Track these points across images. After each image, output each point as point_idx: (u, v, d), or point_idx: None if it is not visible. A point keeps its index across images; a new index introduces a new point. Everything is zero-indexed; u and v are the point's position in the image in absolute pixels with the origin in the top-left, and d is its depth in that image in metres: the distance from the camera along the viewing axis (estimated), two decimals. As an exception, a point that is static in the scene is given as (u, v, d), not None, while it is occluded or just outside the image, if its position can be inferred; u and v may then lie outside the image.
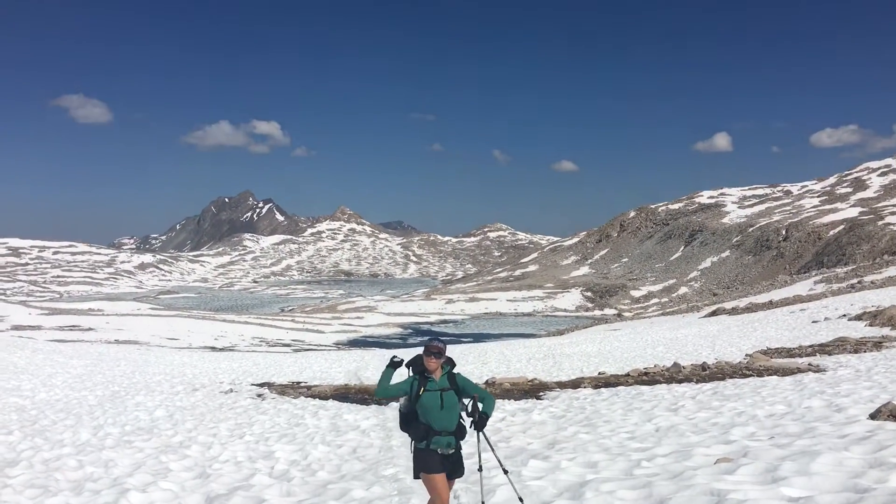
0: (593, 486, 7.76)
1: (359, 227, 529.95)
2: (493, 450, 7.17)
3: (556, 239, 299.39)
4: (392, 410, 18.65)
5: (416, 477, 6.34)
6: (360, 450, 12.54)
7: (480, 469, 6.75)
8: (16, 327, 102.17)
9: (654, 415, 13.93)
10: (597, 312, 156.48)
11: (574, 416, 15.08)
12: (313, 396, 23.66)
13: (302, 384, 29.01)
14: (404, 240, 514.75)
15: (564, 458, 9.82)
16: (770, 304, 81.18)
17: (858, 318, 46.45)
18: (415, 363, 6.56)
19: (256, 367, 42.04)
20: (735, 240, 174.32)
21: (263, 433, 14.97)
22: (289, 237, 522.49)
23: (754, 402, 15.07)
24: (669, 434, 11.35)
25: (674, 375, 24.51)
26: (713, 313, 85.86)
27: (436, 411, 6.33)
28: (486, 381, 24.52)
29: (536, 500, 7.60)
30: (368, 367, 38.32)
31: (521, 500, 6.96)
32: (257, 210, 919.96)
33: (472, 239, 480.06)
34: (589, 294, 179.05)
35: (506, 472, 6.94)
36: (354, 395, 23.47)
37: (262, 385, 28.46)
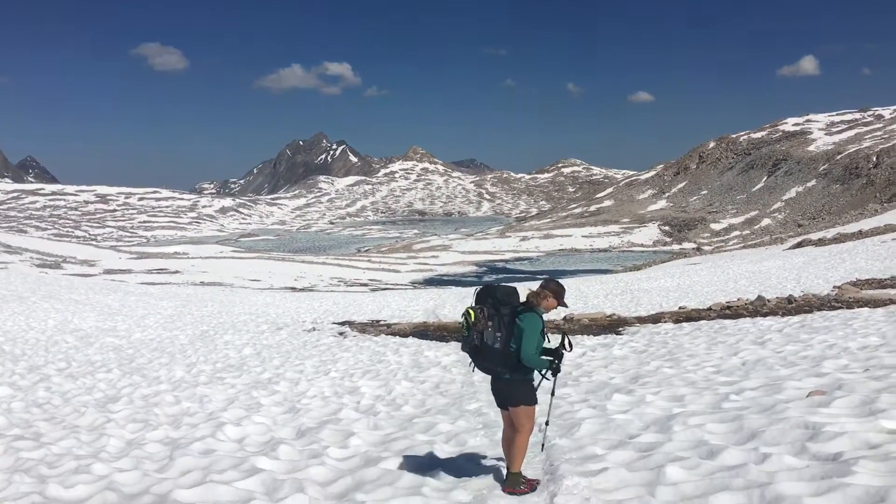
0: (680, 420, 7.66)
1: (431, 167, 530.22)
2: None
3: (631, 173, 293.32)
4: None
5: (530, 403, 6.18)
6: (442, 385, 12.74)
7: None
8: (108, 271, 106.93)
9: (740, 349, 13.65)
10: (675, 247, 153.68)
11: (656, 350, 14.92)
12: (393, 334, 24.05)
13: (381, 322, 29.50)
14: (477, 178, 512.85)
15: (649, 392, 9.72)
16: (859, 234, 78.22)
17: (956, 246, 44.41)
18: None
19: (336, 306, 42.97)
20: (822, 168, 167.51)
21: (347, 370, 15.34)
22: (362, 178, 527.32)
23: (845, 334, 14.60)
24: (757, 367, 11.11)
25: (758, 309, 23.91)
26: (798, 245, 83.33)
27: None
28: (564, 317, 24.44)
29: (622, 434, 7.55)
30: (445, 305, 38.70)
31: (546, 423, 7.12)
32: (331, 152, 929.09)
33: (546, 175, 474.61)
34: (666, 228, 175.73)
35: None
36: (433, 333, 23.75)
37: (342, 324, 29.09)
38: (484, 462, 6.99)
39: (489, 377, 6.27)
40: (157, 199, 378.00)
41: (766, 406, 7.86)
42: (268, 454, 7.60)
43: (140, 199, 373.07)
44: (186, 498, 6.09)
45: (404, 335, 23.60)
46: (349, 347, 19.88)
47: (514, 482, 6.15)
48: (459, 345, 19.63)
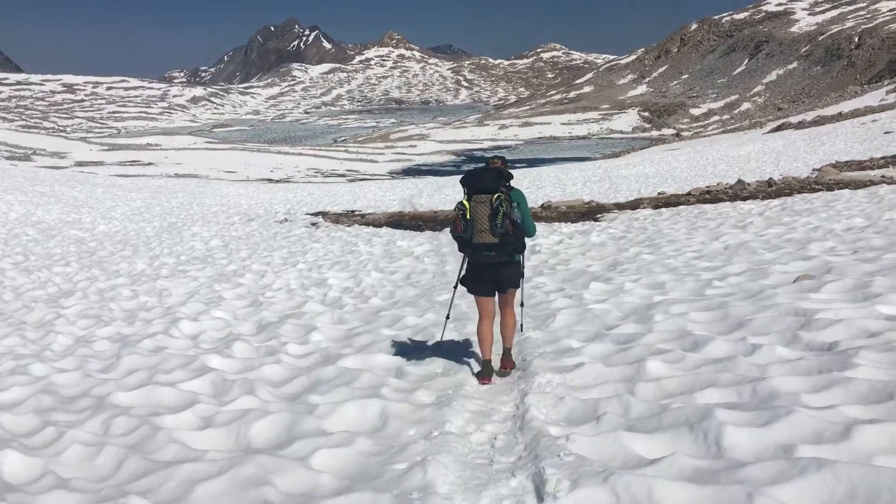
0: (662, 308, 7.21)
1: (408, 53, 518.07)
2: None
3: (612, 57, 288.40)
4: (446, 236, 18.32)
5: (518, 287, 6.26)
6: (413, 276, 12.25)
7: None
8: (79, 164, 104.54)
9: (721, 233, 13.23)
10: (654, 133, 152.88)
11: (635, 236, 14.48)
12: (367, 224, 23.52)
13: (356, 212, 28.95)
14: (455, 64, 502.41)
15: (628, 279, 9.27)
16: (839, 117, 77.52)
17: (937, 127, 44.06)
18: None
19: (311, 197, 42.21)
20: (803, 50, 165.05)
21: (316, 261, 14.81)
22: (337, 66, 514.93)
23: (828, 216, 14.23)
24: (739, 252, 10.67)
25: (738, 193, 23.64)
26: (778, 128, 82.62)
27: None
28: (542, 204, 23.95)
29: (600, 325, 7.11)
30: (422, 195, 38.08)
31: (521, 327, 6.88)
32: (304, 38, 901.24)
33: (525, 61, 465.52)
34: (646, 114, 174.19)
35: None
36: (408, 222, 23.26)
37: (316, 214, 28.47)
38: (451, 359, 6.49)
39: (480, 267, 6.02)
40: (126, 89, 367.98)
41: (752, 292, 7.40)
42: (221, 352, 7.09)
43: (108, 88, 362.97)
44: (126, 401, 5.56)
45: (378, 225, 23.09)
46: (320, 238, 19.31)
47: (512, 359, 6.23)
48: (432, 234, 19.19)
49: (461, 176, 6.20)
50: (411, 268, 13.10)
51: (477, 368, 6.14)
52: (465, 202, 5.86)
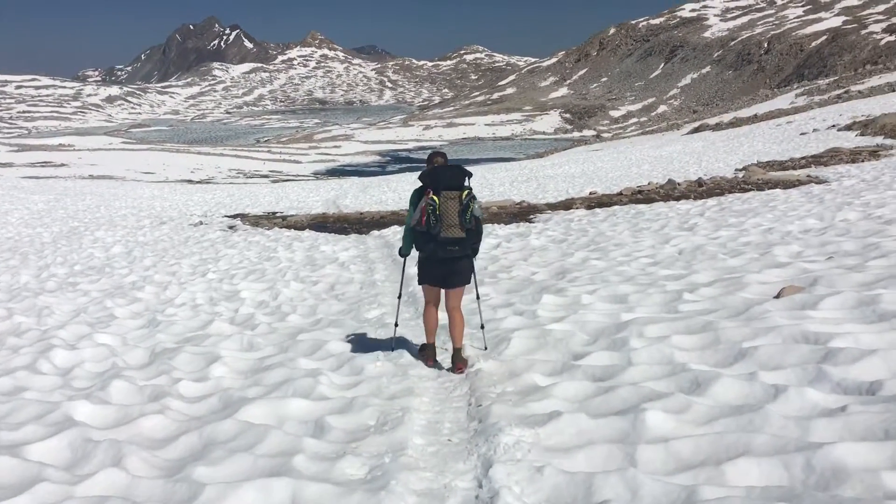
0: (634, 330, 6.03)
1: (331, 53, 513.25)
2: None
3: (533, 60, 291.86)
4: (373, 240, 17.00)
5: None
6: (338, 286, 10.85)
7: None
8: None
9: (670, 236, 12.30)
10: (575, 134, 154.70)
11: (576, 239, 13.45)
12: (288, 227, 22.02)
13: (277, 214, 27.35)
14: (379, 65, 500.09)
15: (583, 290, 8.10)
16: (755, 118, 79.35)
17: (848, 128, 45.06)
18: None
19: (231, 198, 40.17)
20: (716, 55, 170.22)
21: (230, 269, 13.27)
22: (259, 65, 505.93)
23: (775, 217, 13.54)
24: (698, 257, 9.69)
25: (669, 193, 23.29)
26: (696, 130, 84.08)
27: None
28: (473, 205, 22.87)
29: (565, 352, 5.91)
30: (347, 195, 36.58)
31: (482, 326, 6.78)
32: (224, 37, 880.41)
33: (449, 62, 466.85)
34: (567, 116, 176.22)
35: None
36: (333, 224, 21.89)
37: (234, 217, 26.72)
38: (388, 406, 5.19)
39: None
40: (37, 88, 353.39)
41: (736, 309, 6.30)
42: (93, 395, 5.57)
43: (17, 87, 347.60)
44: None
45: (300, 228, 21.64)
46: (236, 243, 17.71)
47: (463, 357, 6.16)
48: (358, 237, 17.85)
49: (421, 172, 6.16)
50: (336, 277, 11.70)
51: (418, 403, 5.22)
52: (435, 198, 5.86)
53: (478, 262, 11.39)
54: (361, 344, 6.96)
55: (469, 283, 6.30)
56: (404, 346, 6.79)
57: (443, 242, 5.90)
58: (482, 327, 6.73)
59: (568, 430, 4.10)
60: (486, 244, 13.64)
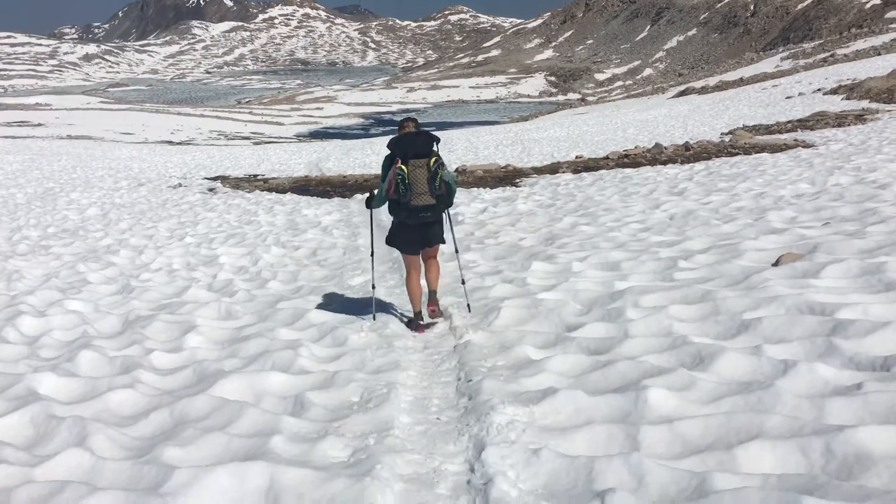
0: (630, 299, 5.79)
1: (313, 13, 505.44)
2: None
3: (519, 21, 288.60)
4: (357, 203, 16.66)
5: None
6: (320, 251, 10.53)
7: None
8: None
9: (660, 200, 12.05)
10: (560, 97, 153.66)
11: (564, 204, 13.18)
12: (270, 190, 21.60)
13: (258, 177, 26.88)
14: (362, 25, 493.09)
15: (574, 257, 7.85)
16: (741, 82, 78.88)
17: (834, 91, 44.86)
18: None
19: (211, 160, 39.51)
20: (702, 17, 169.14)
21: (208, 233, 12.91)
22: (240, 24, 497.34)
23: (766, 181, 13.33)
24: (690, 223, 9.45)
25: (656, 157, 23.12)
26: (682, 93, 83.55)
27: None
28: (457, 168, 22.53)
29: (558, 323, 5.68)
30: (330, 158, 36.02)
31: (463, 281, 6.85)
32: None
33: (433, 23, 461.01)
34: (552, 79, 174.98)
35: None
36: (315, 188, 21.50)
37: (215, 179, 26.24)
38: (372, 381, 4.88)
39: (413, 227, 6.17)
40: (12, 45, 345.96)
41: (734, 277, 6.07)
42: (60, 367, 5.27)
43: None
44: None
45: (282, 191, 21.24)
46: (216, 206, 17.31)
47: (437, 300, 6.42)
48: (341, 201, 17.51)
49: (389, 140, 6.17)
50: (318, 242, 11.38)
51: (405, 378, 4.96)
52: (403, 167, 5.87)
53: (463, 228, 11.14)
54: (344, 312, 6.68)
55: (444, 242, 6.45)
56: (389, 313, 6.55)
57: (414, 210, 6.00)
58: (463, 283, 6.77)
59: (565, 409, 3.87)
60: (471, 208, 13.35)
